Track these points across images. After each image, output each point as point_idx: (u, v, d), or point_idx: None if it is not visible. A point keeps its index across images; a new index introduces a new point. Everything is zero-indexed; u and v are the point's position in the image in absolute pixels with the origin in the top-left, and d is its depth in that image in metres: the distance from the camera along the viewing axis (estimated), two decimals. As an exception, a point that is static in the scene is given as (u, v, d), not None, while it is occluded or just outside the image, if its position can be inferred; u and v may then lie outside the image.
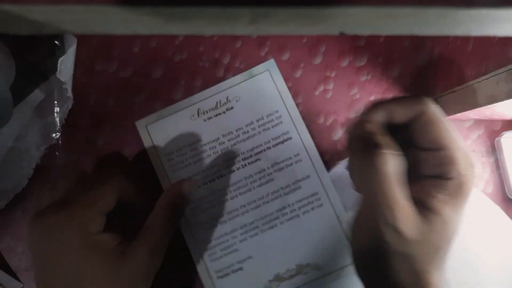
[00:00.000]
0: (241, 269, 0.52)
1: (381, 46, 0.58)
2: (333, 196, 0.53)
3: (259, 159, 0.53)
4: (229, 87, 0.55)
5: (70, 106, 0.53)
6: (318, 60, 0.57)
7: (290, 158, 0.53)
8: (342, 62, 0.57)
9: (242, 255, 0.52)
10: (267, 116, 0.54)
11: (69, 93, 0.52)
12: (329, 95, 0.56)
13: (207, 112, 0.54)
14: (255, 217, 0.53)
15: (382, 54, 0.57)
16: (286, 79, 0.57)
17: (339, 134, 0.56)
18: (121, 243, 0.40)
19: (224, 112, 0.54)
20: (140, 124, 0.55)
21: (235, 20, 0.21)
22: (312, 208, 0.52)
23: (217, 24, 0.22)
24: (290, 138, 0.53)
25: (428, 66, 0.57)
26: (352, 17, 0.21)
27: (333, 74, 0.57)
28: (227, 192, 0.53)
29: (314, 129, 0.56)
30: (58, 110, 0.52)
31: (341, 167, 0.54)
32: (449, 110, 0.53)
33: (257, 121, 0.53)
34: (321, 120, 0.56)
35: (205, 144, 0.53)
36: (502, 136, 0.54)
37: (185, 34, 0.57)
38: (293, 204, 0.53)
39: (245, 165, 0.53)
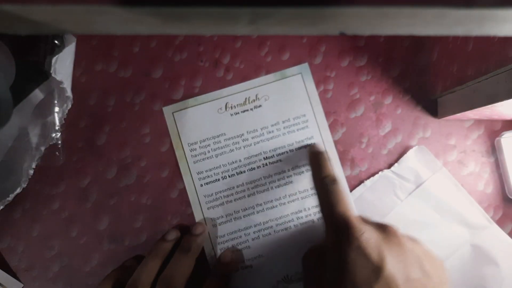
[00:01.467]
0: (250, 266, 0.52)
1: (381, 46, 0.58)
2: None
3: (280, 160, 0.53)
4: (260, 85, 0.55)
5: (69, 106, 0.53)
6: (318, 60, 0.57)
7: None
8: (342, 62, 0.57)
9: (253, 253, 0.52)
10: (294, 119, 0.54)
11: (69, 93, 0.52)
12: (329, 95, 0.56)
13: (234, 107, 0.54)
14: (270, 217, 0.53)
15: (382, 54, 0.57)
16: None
17: (339, 134, 0.56)
18: None
19: (251, 109, 0.53)
20: (167, 110, 0.55)
21: (235, 20, 0.21)
22: None
23: (217, 24, 0.22)
24: (314, 143, 0.53)
25: (428, 66, 0.57)
26: (352, 17, 0.21)
27: (333, 74, 0.57)
28: (245, 189, 0.53)
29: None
30: (57, 110, 0.52)
31: (362, 188, 0.54)
32: (449, 110, 0.53)
33: (283, 122, 0.53)
34: (321, 120, 0.56)
35: (229, 139, 0.53)
36: (502, 136, 0.54)
37: (185, 34, 0.57)
38: (309, 209, 0.53)
39: (266, 164, 0.53)
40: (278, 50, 0.57)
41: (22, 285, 0.56)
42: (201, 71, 0.57)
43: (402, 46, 0.57)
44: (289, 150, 0.53)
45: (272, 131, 0.53)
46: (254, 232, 0.52)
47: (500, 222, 0.55)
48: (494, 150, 0.56)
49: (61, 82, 0.50)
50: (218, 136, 0.53)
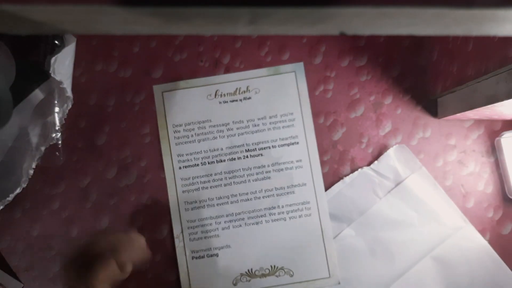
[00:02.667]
0: (217, 255, 0.53)
1: (381, 46, 0.58)
2: (323, 210, 0.54)
3: (261, 155, 0.53)
4: (253, 77, 0.55)
5: (69, 106, 0.53)
6: (318, 60, 0.57)
7: (292, 162, 0.54)
8: (342, 62, 0.57)
9: (221, 242, 0.53)
10: (281, 116, 0.54)
11: (69, 93, 0.52)
12: (329, 95, 0.56)
13: (224, 95, 0.54)
14: (243, 209, 0.54)
15: (382, 54, 0.57)
16: (286, 79, 0.57)
17: (339, 134, 0.56)
18: None
19: (241, 100, 0.54)
20: (157, 89, 0.56)
21: (235, 20, 0.21)
22: (300, 216, 0.53)
23: (217, 24, 0.22)
24: (297, 143, 0.54)
25: (428, 66, 0.57)
26: (352, 17, 0.21)
27: (333, 74, 0.57)
28: (222, 178, 0.54)
29: (314, 129, 0.56)
30: (58, 110, 0.52)
31: (341, 185, 0.55)
32: (449, 110, 0.53)
33: (270, 117, 0.54)
34: (321, 120, 0.56)
35: (214, 126, 0.54)
36: (502, 136, 0.54)
37: (185, 34, 0.57)
38: (283, 207, 0.54)
39: (247, 156, 0.53)
40: (278, 50, 0.57)
41: (22, 285, 0.56)
42: (201, 71, 0.57)
43: (402, 46, 0.57)
44: (272, 146, 0.53)
45: (258, 125, 0.53)
46: (225, 222, 0.53)
47: (500, 222, 0.55)
48: (494, 150, 0.56)
49: (61, 82, 0.50)
50: (203, 122, 0.53)
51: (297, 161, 0.53)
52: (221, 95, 0.54)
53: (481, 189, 0.56)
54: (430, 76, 0.57)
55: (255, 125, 0.53)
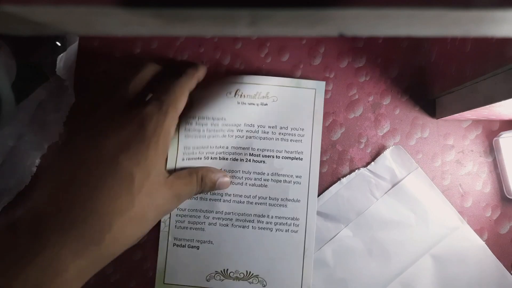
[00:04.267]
0: (197, 248, 0.53)
1: (379, 47, 0.58)
2: (311, 230, 0.54)
3: (264, 162, 0.53)
4: (274, 85, 0.54)
5: (71, 105, 0.53)
6: (317, 61, 0.57)
7: (291, 176, 0.54)
8: (341, 63, 0.58)
9: (205, 236, 0.53)
10: (292, 129, 0.54)
11: (71, 92, 0.53)
12: (328, 95, 0.57)
13: (244, 96, 0.53)
14: (233, 209, 0.54)
15: (381, 55, 0.58)
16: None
17: (338, 134, 0.56)
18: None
19: (257, 104, 0.53)
20: None
21: (235, 21, 0.22)
22: (287, 230, 0.53)
23: (217, 26, 0.22)
24: (301, 159, 0.54)
25: (427, 67, 0.57)
26: (351, 18, 0.21)
27: (332, 75, 0.57)
28: None
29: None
30: (59, 109, 0.53)
31: (338, 186, 0.55)
32: (447, 110, 0.53)
33: (281, 128, 0.54)
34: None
35: (226, 125, 0.53)
36: (500, 136, 0.55)
37: (186, 36, 0.57)
38: (272, 217, 0.54)
39: (249, 160, 0.53)
40: (277, 51, 0.57)
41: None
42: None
43: (400, 47, 0.58)
44: (276, 156, 0.53)
45: (267, 132, 0.53)
46: (213, 218, 0.53)
47: (498, 222, 0.55)
48: (492, 150, 0.56)
49: (64, 80, 0.50)
50: (218, 119, 0.52)
51: (296, 176, 0.53)
52: (240, 95, 0.53)
53: (479, 188, 0.56)
54: (428, 77, 0.57)
55: (265, 132, 0.53)
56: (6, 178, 0.52)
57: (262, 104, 0.54)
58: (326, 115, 0.56)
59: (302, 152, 0.54)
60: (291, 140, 0.54)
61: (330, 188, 0.55)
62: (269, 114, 0.54)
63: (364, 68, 0.58)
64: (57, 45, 0.52)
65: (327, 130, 0.56)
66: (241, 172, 0.53)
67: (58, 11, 0.21)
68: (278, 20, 0.21)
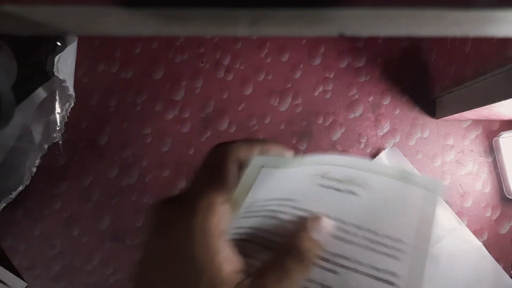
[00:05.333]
0: None
1: (379, 47, 0.58)
2: None
3: (336, 272, 0.34)
4: (369, 172, 0.36)
5: (72, 104, 0.54)
6: (317, 61, 0.57)
7: None
8: (341, 63, 0.58)
9: None
10: (383, 237, 0.35)
11: (71, 91, 0.53)
12: (328, 95, 0.57)
13: (328, 178, 0.36)
14: None
15: (381, 55, 0.58)
16: (285, 80, 0.58)
17: (338, 134, 0.56)
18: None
19: (342, 191, 0.36)
20: (258, 161, 0.35)
21: (236, 21, 0.22)
22: None
23: (217, 26, 0.22)
24: (392, 283, 0.34)
25: (427, 67, 0.57)
26: (351, 18, 0.21)
27: (332, 75, 0.57)
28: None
29: (313, 130, 0.57)
30: (60, 108, 0.53)
31: None
32: (447, 110, 0.53)
33: (369, 231, 0.35)
34: (320, 121, 0.57)
35: (295, 208, 0.36)
36: (500, 136, 0.55)
37: (186, 36, 0.57)
38: None
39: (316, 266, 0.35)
40: (278, 51, 0.57)
41: (26, 284, 0.56)
42: (201, 72, 0.57)
43: (400, 47, 0.58)
44: (354, 270, 0.34)
45: (348, 232, 0.35)
46: None
47: (498, 222, 0.55)
48: (492, 150, 0.56)
49: (63, 81, 0.51)
50: (285, 200, 0.36)
51: None
52: (328, 178, 0.36)
53: (479, 188, 0.56)
54: (428, 77, 0.57)
55: (344, 231, 0.35)
56: (6, 178, 0.52)
57: (349, 192, 0.36)
58: (326, 115, 0.56)
59: (396, 275, 0.34)
60: (380, 253, 0.35)
61: None
62: (355, 208, 0.36)
63: (364, 68, 0.58)
64: (57, 45, 0.52)
65: (327, 130, 0.56)
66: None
67: (58, 11, 0.21)
68: (278, 20, 0.21)
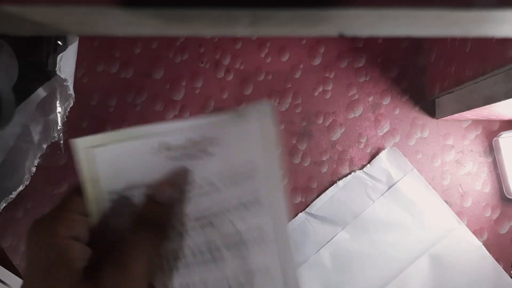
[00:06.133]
0: None
1: (379, 47, 0.58)
2: None
3: (212, 224, 0.35)
4: (206, 128, 0.36)
5: (71, 104, 0.53)
6: (317, 61, 0.57)
7: (250, 231, 0.35)
8: (341, 63, 0.58)
9: None
10: (239, 166, 0.35)
11: (71, 91, 0.53)
12: (328, 95, 0.57)
13: (171, 149, 0.35)
14: None
15: (381, 55, 0.58)
16: (285, 80, 0.58)
17: (338, 134, 0.56)
18: (89, 265, 0.29)
19: (194, 156, 0.35)
20: (78, 145, 0.34)
21: (235, 21, 0.22)
22: None
23: (217, 26, 0.22)
24: (258, 202, 0.34)
25: (426, 67, 0.57)
26: (351, 18, 0.21)
27: (332, 75, 0.57)
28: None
29: (313, 130, 0.57)
30: (60, 108, 0.53)
31: (334, 189, 0.55)
32: (447, 110, 0.53)
33: (222, 177, 0.35)
34: (320, 121, 0.57)
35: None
36: (500, 136, 0.55)
37: (186, 36, 0.57)
38: None
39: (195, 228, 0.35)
40: (277, 51, 0.57)
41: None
42: (201, 72, 0.57)
43: (400, 47, 0.58)
44: (224, 211, 0.35)
45: (203, 187, 0.36)
46: None
47: (498, 221, 0.55)
48: (492, 150, 0.56)
49: (64, 80, 0.51)
50: (143, 186, 0.35)
51: (256, 229, 0.34)
52: (167, 148, 0.35)
53: (479, 188, 0.56)
54: (428, 77, 0.57)
55: (211, 184, 0.36)
56: (6, 178, 0.52)
57: (202, 152, 0.35)
58: (326, 115, 0.56)
59: (258, 191, 0.34)
60: (242, 180, 0.35)
61: (327, 191, 0.55)
62: (208, 165, 0.35)
63: (364, 68, 0.58)
64: (58, 44, 0.52)
65: (327, 130, 0.56)
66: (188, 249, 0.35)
67: (58, 11, 0.21)
68: (278, 20, 0.21)
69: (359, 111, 0.57)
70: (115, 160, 0.36)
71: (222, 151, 0.35)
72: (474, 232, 0.55)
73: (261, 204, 0.35)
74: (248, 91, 0.58)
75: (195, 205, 0.35)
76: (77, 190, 0.33)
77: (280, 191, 0.35)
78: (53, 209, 0.32)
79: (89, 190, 0.35)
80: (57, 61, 0.49)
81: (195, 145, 0.35)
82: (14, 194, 0.52)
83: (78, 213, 0.32)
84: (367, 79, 0.57)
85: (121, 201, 0.35)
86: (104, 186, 0.35)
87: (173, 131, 0.36)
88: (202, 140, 0.35)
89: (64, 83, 0.51)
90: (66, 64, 0.51)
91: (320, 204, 0.55)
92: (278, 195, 0.35)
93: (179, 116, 0.58)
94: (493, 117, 0.53)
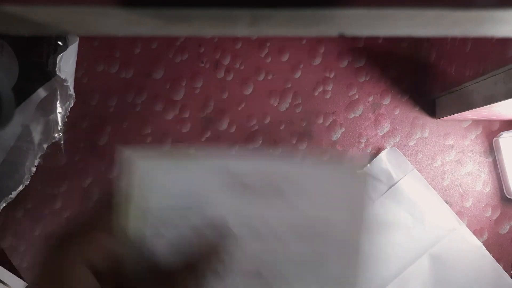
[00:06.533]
0: None
1: (379, 47, 0.58)
2: None
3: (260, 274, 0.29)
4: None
5: (72, 104, 0.53)
6: (317, 61, 0.57)
7: None
8: (341, 63, 0.58)
9: None
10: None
11: (71, 91, 0.53)
12: (328, 95, 0.57)
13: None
14: None
15: (381, 55, 0.58)
16: (285, 80, 0.58)
17: (338, 134, 0.56)
18: None
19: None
20: (134, 158, 0.29)
21: (235, 21, 0.22)
22: None
23: (217, 26, 0.22)
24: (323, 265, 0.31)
25: (427, 67, 0.57)
26: (351, 18, 0.21)
27: (332, 75, 0.57)
28: None
29: (313, 130, 0.57)
30: (60, 108, 0.53)
31: None
32: (447, 110, 0.53)
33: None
34: (320, 121, 0.57)
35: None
36: (500, 136, 0.55)
37: (186, 36, 0.57)
38: None
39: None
40: (277, 51, 0.57)
41: (26, 284, 0.56)
42: (201, 72, 0.57)
43: (400, 47, 0.58)
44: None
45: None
46: None
47: (498, 222, 0.55)
48: (492, 150, 0.56)
49: (65, 80, 0.51)
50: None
51: None
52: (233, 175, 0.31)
53: (479, 188, 0.56)
54: (428, 77, 0.57)
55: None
56: (6, 178, 0.52)
57: (270, 188, 0.31)
58: (326, 115, 0.56)
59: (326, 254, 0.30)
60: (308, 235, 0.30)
61: None
62: (279, 208, 0.31)
63: (364, 68, 0.58)
64: (59, 44, 0.52)
65: (327, 130, 0.56)
66: None
67: (59, 12, 0.21)
68: (278, 20, 0.21)
69: (359, 111, 0.57)
70: (167, 177, 0.31)
71: (295, 193, 0.31)
72: (474, 232, 0.55)
73: (326, 267, 0.30)
74: (248, 91, 0.58)
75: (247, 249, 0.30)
76: (107, 205, 0.30)
77: (354, 268, 0.30)
78: (76, 224, 0.29)
79: (131, 207, 0.30)
80: (57, 61, 0.49)
81: (266, 177, 0.31)
82: (14, 194, 0.52)
83: (104, 231, 0.28)
84: (367, 79, 0.57)
85: (160, 223, 0.30)
86: (150, 205, 0.30)
87: (244, 160, 0.31)
88: (275, 175, 0.31)
89: (64, 83, 0.51)
90: (66, 64, 0.51)
91: None
92: (349, 270, 0.31)
93: (179, 116, 0.58)
94: (493, 117, 0.53)
